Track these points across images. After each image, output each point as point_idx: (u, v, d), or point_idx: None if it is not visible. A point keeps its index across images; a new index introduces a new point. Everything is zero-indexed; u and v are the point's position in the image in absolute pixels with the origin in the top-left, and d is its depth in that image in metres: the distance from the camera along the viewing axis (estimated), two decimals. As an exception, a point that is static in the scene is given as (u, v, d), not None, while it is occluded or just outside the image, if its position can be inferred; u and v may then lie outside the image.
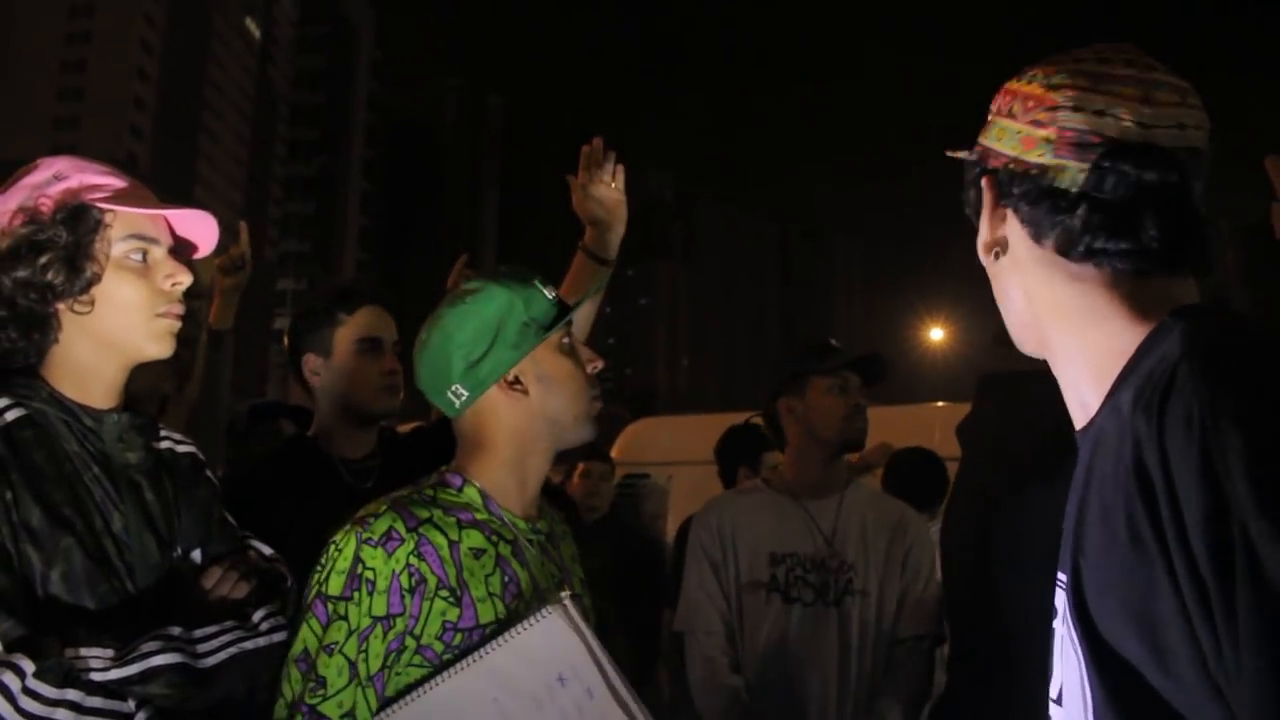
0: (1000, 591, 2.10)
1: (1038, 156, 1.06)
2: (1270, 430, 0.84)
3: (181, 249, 1.72)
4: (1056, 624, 1.06)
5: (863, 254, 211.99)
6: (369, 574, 1.55)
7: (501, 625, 1.58)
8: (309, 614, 1.58)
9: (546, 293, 1.76)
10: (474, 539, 1.65)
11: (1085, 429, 1.06)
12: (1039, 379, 2.18)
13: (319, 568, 1.61)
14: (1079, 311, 1.06)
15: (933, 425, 5.15)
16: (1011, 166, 1.08)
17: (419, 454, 2.52)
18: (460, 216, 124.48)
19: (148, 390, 2.67)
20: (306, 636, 1.57)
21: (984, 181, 1.12)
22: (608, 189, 2.39)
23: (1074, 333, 1.07)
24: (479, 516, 1.69)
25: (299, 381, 2.52)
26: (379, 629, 1.54)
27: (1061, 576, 1.05)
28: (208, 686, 1.50)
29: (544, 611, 1.57)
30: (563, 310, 1.75)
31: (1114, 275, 1.04)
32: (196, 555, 1.71)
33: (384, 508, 1.62)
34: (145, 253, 1.62)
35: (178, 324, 1.66)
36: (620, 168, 2.41)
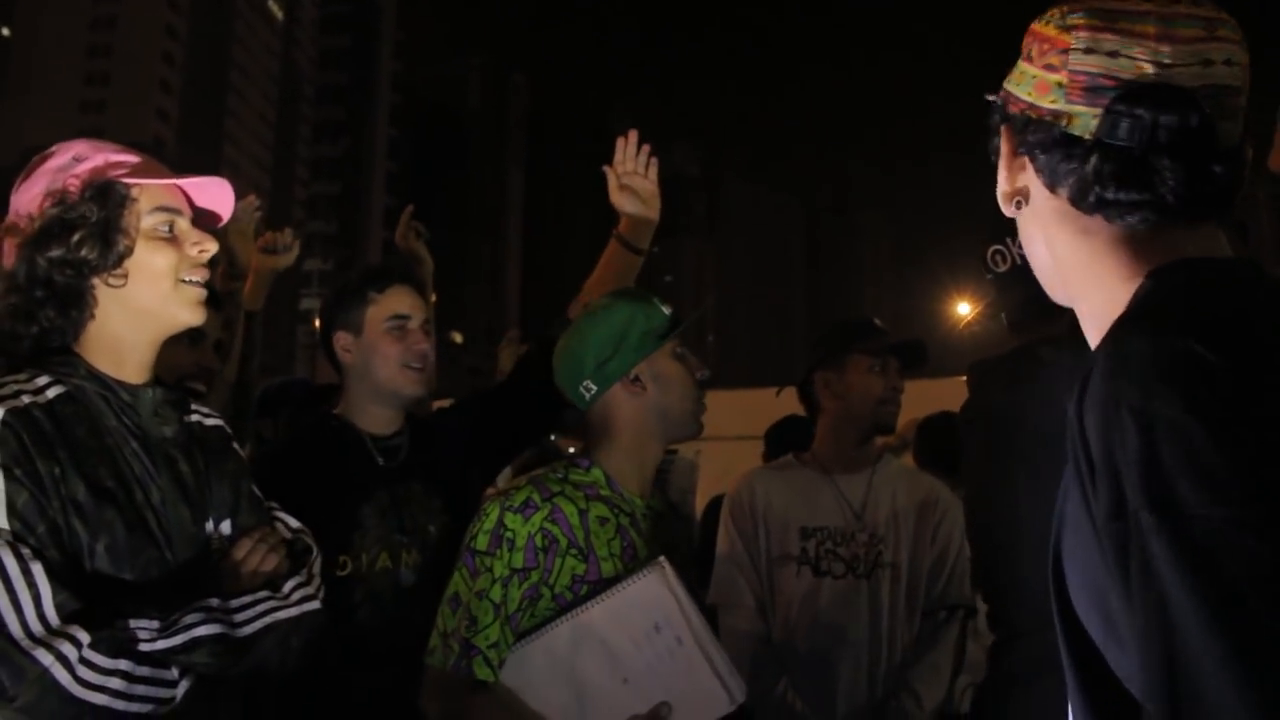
0: (1025, 574, 2.11)
1: (1050, 103, 1.02)
2: (1164, 419, 0.81)
3: (202, 218, 1.77)
4: None
5: (890, 228, 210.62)
6: (509, 534, 1.92)
7: (616, 580, 1.91)
8: (460, 565, 1.95)
9: (664, 308, 2.09)
10: (599, 509, 2.00)
11: None
12: (1021, 357, 2.22)
13: (471, 528, 1.97)
14: (1088, 267, 1.03)
15: (961, 398, 5.14)
16: (1028, 113, 1.04)
17: (443, 433, 2.55)
18: (485, 195, 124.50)
19: (194, 368, 2.71)
20: (458, 583, 1.94)
21: (1003, 129, 1.08)
22: (642, 180, 2.45)
23: (1084, 290, 1.04)
24: (603, 493, 2.04)
25: (330, 359, 2.55)
26: (516, 579, 1.90)
27: None
28: (245, 654, 1.56)
29: (645, 571, 1.90)
30: (675, 323, 2.08)
31: (1124, 230, 1.00)
32: (226, 526, 1.76)
33: (524, 482, 2.00)
34: (172, 224, 1.67)
35: (204, 293, 1.70)
36: (655, 160, 2.46)
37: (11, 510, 1.46)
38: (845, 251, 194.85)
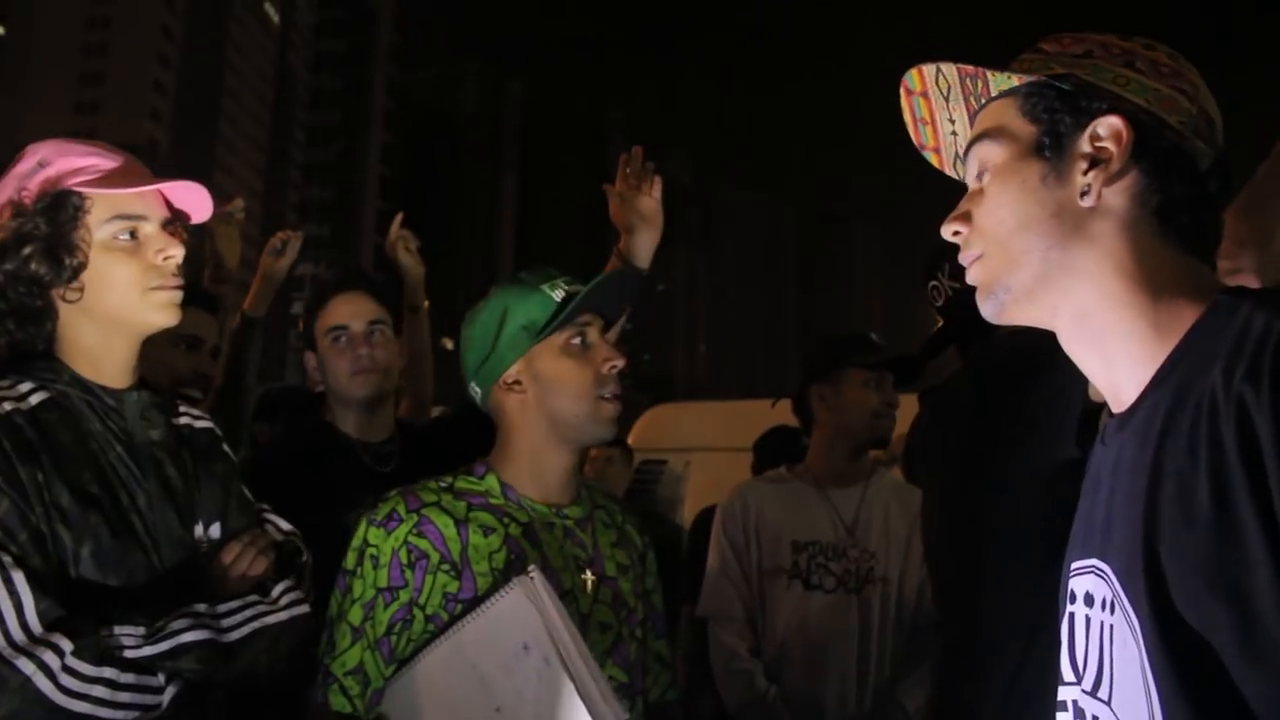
0: (977, 586, 2.12)
1: (1178, 123, 1.05)
2: None
3: (182, 218, 1.72)
4: (1088, 611, 1.05)
5: (884, 239, 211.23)
6: (373, 550, 1.72)
7: (488, 597, 1.69)
8: (336, 585, 1.76)
9: (554, 294, 1.82)
10: (484, 519, 1.77)
11: (1132, 409, 1.03)
12: (961, 384, 2.32)
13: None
14: (1150, 283, 1.03)
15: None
16: (1151, 121, 1.05)
17: (438, 442, 2.54)
18: (478, 202, 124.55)
19: (191, 374, 2.70)
20: (331, 604, 1.75)
21: (1120, 120, 1.04)
22: (645, 198, 2.39)
23: (1136, 304, 1.03)
24: (493, 501, 1.80)
25: None
26: (381, 599, 1.71)
27: (1098, 563, 1.03)
28: (233, 660, 1.54)
29: (509, 585, 1.66)
30: (560, 312, 1.80)
31: (1186, 255, 1.04)
32: (215, 530, 1.74)
33: (394, 493, 1.78)
34: (134, 231, 1.61)
35: (178, 294, 1.65)
36: (658, 178, 2.40)
37: None
38: (838, 262, 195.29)
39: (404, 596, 1.71)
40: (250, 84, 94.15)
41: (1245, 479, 0.86)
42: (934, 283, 2.37)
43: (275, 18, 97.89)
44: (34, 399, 1.56)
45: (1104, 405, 1.93)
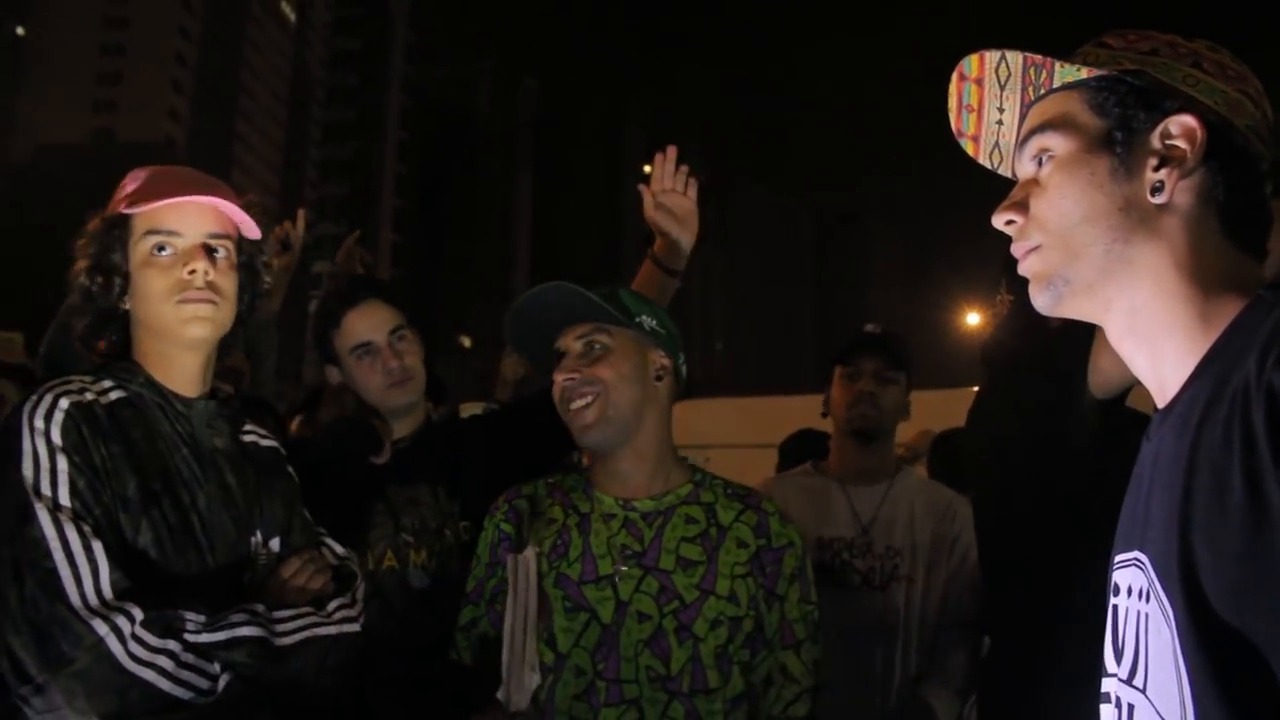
0: (1033, 581, 2.13)
1: (1245, 126, 1.06)
2: None
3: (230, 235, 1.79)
4: (1128, 602, 1.05)
5: (900, 237, 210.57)
6: (483, 532, 2.11)
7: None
8: None
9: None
10: (554, 512, 2.05)
11: (1173, 402, 1.04)
12: (992, 382, 2.35)
13: None
14: (1205, 280, 1.03)
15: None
16: (1220, 123, 1.06)
17: (471, 440, 2.52)
18: (494, 199, 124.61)
19: (221, 368, 2.71)
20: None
21: (1194, 120, 1.05)
22: (680, 199, 2.35)
23: (1189, 299, 1.04)
24: (572, 495, 2.07)
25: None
26: (486, 572, 2.07)
27: (1138, 555, 1.03)
28: (282, 663, 1.60)
29: (505, 562, 1.99)
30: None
31: (1240, 253, 1.05)
32: (275, 544, 1.80)
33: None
34: (165, 245, 1.71)
35: (204, 307, 1.71)
36: (694, 179, 2.36)
37: (74, 490, 1.54)
38: (854, 259, 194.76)
39: (499, 573, 2.02)
40: (267, 83, 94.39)
41: (1275, 468, 0.85)
42: (999, 295, 2.42)
43: (292, 17, 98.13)
44: (113, 395, 1.68)
45: (1118, 399, 1.94)
